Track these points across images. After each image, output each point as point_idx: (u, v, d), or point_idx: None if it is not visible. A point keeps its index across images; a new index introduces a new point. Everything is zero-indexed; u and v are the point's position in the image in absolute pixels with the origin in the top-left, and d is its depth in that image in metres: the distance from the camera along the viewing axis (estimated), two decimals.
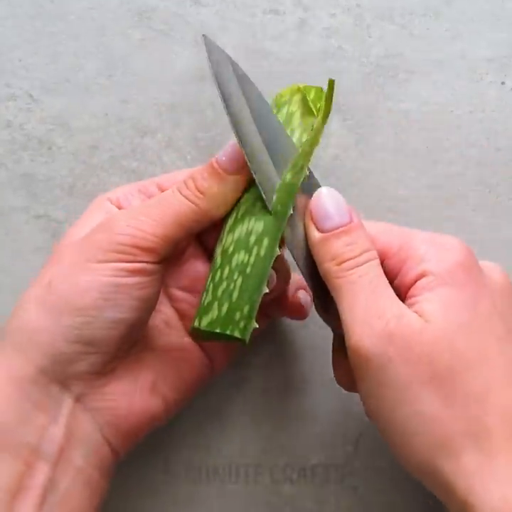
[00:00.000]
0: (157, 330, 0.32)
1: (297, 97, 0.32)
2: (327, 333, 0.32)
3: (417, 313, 0.28)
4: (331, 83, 0.31)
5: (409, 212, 0.38)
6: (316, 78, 0.38)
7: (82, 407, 0.29)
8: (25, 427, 0.28)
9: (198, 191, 0.31)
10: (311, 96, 0.32)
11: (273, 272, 0.31)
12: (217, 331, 0.29)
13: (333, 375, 0.32)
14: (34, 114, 0.38)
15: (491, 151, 0.38)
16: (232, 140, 0.31)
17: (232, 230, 0.31)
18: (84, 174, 0.38)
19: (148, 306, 0.30)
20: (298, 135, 0.32)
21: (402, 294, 0.29)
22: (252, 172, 0.30)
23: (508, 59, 0.38)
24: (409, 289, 0.29)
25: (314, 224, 0.30)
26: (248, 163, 0.30)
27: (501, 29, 0.38)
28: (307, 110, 0.32)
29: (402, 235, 0.31)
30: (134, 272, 0.29)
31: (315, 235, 0.30)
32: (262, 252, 0.30)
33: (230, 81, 0.31)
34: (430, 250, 0.29)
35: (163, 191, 0.34)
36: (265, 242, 0.30)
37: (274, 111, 0.33)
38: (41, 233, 0.38)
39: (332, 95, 0.31)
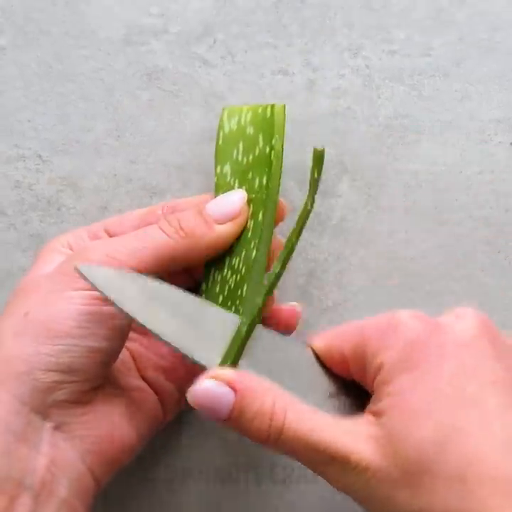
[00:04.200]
0: (116, 368, 0.32)
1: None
2: None
3: (375, 416, 0.26)
4: (318, 154, 0.29)
5: (418, 273, 0.38)
6: (325, 138, 0.38)
7: (63, 435, 0.29)
8: (8, 460, 0.28)
9: (181, 229, 0.31)
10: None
11: None
12: None
13: None
14: (43, 174, 0.38)
15: (501, 211, 0.38)
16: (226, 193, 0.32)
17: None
18: None
19: (121, 336, 0.30)
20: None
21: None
22: None
23: None
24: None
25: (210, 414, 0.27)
26: None
27: (510, 90, 0.38)
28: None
29: (353, 332, 0.29)
30: (107, 301, 0.29)
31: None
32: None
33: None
34: (380, 339, 0.27)
35: (110, 236, 0.33)
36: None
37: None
38: None
39: (321, 170, 0.30)
